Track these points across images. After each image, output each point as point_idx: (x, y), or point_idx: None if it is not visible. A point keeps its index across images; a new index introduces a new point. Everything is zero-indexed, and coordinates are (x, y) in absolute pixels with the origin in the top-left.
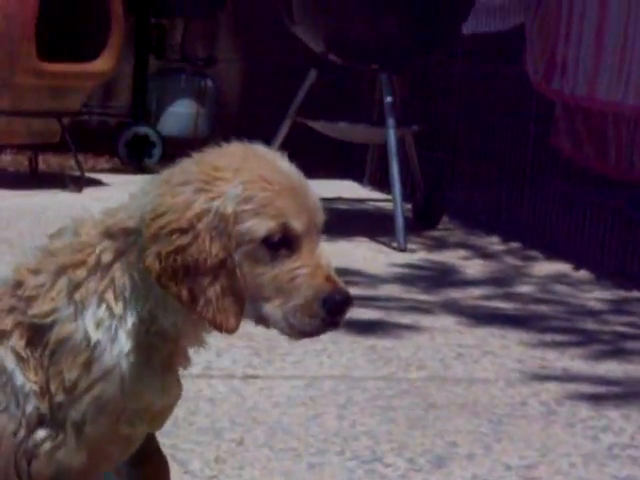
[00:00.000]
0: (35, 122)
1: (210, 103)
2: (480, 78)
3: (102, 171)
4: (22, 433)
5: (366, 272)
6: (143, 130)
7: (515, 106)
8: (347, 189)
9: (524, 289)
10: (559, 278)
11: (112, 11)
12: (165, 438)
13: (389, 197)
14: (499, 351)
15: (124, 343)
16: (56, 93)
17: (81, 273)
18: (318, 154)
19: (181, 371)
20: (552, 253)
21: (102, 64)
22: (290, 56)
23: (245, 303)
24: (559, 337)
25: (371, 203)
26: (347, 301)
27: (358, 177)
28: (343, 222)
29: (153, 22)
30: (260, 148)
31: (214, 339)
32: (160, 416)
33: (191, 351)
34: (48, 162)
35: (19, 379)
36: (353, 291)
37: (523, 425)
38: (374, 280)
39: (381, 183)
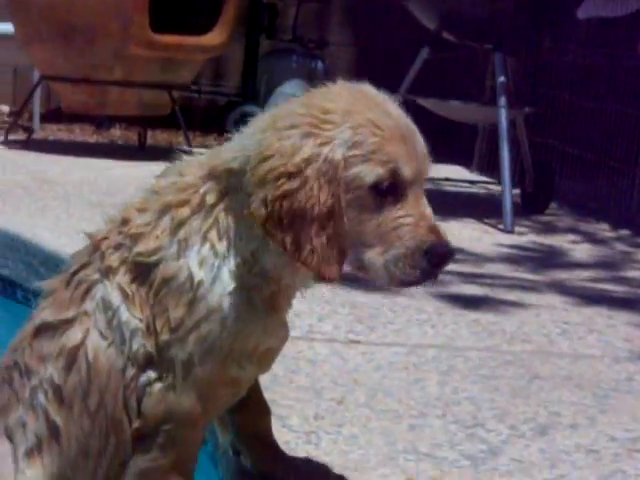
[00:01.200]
0: (146, 94)
1: (320, 85)
2: (592, 64)
3: (210, 148)
4: (131, 371)
5: (471, 251)
6: (252, 109)
7: (626, 93)
8: (455, 173)
9: (633, 274)
10: None
11: None
12: (264, 393)
13: (497, 182)
14: (606, 330)
15: (227, 283)
16: (167, 65)
17: (185, 212)
18: (426, 137)
19: (287, 314)
20: None
21: (214, 38)
22: (401, 36)
23: (347, 252)
24: None
25: (479, 186)
26: (449, 253)
27: (466, 163)
28: (450, 202)
29: (265, 2)
30: (368, 89)
31: (316, 305)
32: (267, 358)
33: (296, 293)
34: (156, 138)
35: (124, 315)
36: (458, 268)
37: (629, 400)
38: (479, 259)
39: (489, 169)
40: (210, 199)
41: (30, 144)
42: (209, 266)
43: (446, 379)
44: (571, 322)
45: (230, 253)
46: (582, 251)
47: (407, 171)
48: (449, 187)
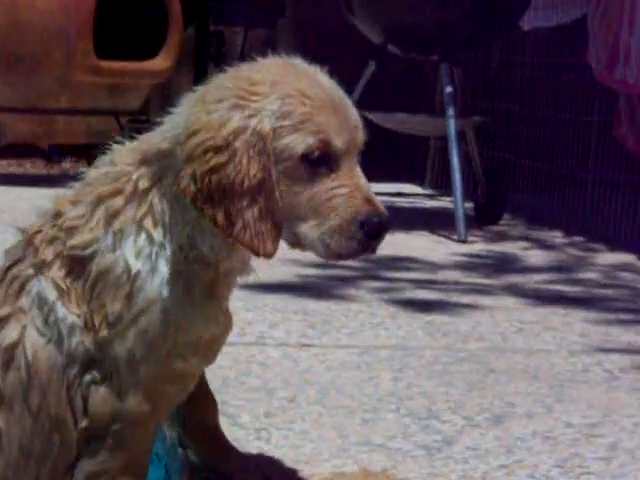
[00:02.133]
0: (94, 121)
1: None
2: (540, 73)
3: None
4: (74, 369)
5: (425, 259)
6: None
7: (577, 100)
8: (407, 190)
9: (588, 275)
10: (623, 267)
11: (170, 11)
12: (214, 396)
13: (450, 198)
14: (561, 327)
15: (164, 272)
16: (114, 91)
17: (118, 202)
18: (377, 158)
19: (228, 302)
20: (616, 246)
21: (159, 63)
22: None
23: (282, 226)
24: (624, 316)
25: (431, 200)
26: (386, 224)
27: (418, 181)
28: (403, 216)
29: (212, 30)
30: (298, 62)
31: (268, 313)
32: (211, 348)
33: (235, 280)
34: None
35: (61, 311)
36: (411, 275)
37: (585, 389)
38: (433, 267)
39: (442, 186)
40: (143, 184)
41: None
42: (145, 256)
43: (400, 376)
44: (526, 321)
45: (166, 240)
46: (535, 256)
47: (338, 141)
48: (402, 203)
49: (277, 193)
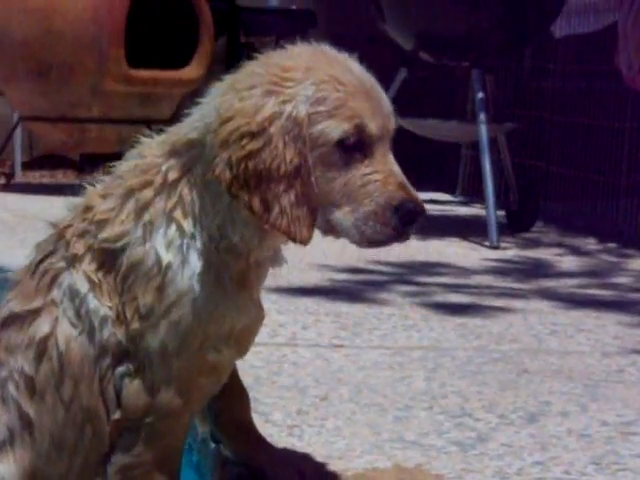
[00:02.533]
0: (125, 130)
1: None
2: (571, 80)
3: None
4: (106, 360)
5: (457, 265)
6: None
7: (609, 106)
8: (439, 198)
9: (621, 280)
10: None
11: (202, 20)
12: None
13: (482, 206)
14: (595, 329)
15: (195, 264)
16: (146, 100)
17: (148, 193)
18: (408, 164)
19: (259, 292)
20: None
21: (191, 72)
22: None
23: (317, 212)
24: None
25: (463, 209)
26: (420, 209)
27: (450, 190)
28: (435, 224)
29: (244, 41)
30: (328, 48)
31: (300, 315)
32: (244, 339)
33: (266, 271)
34: None
35: (92, 303)
36: (443, 280)
37: (620, 389)
38: (466, 272)
39: (473, 194)
40: (172, 175)
41: (11, 187)
42: (176, 248)
43: (433, 375)
44: (560, 323)
45: (197, 230)
46: (569, 262)
47: (373, 126)
48: (434, 210)
49: (313, 179)
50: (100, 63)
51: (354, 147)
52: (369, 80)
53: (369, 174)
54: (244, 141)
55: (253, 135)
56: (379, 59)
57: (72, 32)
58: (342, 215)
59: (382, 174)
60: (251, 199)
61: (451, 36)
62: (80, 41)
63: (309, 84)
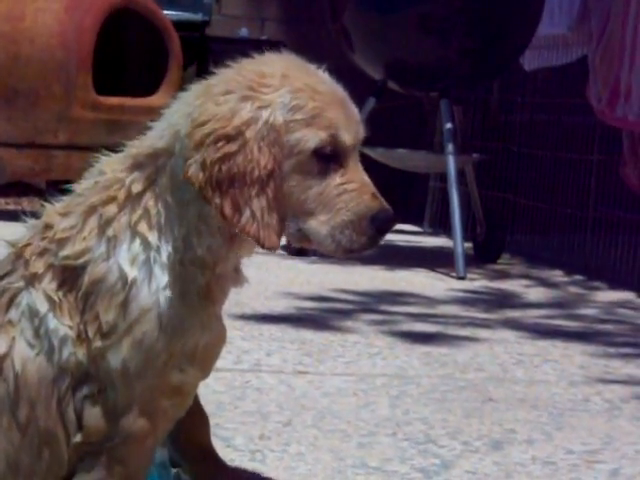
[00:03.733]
0: (92, 157)
1: None
2: (539, 113)
3: None
4: (65, 381)
5: (424, 294)
6: None
7: (576, 139)
8: (406, 229)
9: (587, 311)
10: (623, 304)
11: (170, 48)
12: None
13: (449, 237)
14: (561, 359)
15: (161, 278)
16: (113, 128)
17: (112, 209)
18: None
19: (222, 308)
20: (616, 284)
21: (159, 99)
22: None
23: (286, 220)
24: (624, 349)
25: (430, 240)
26: (394, 218)
27: (418, 222)
28: (402, 254)
29: (213, 70)
30: (298, 59)
31: (264, 342)
32: (207, 358)
33: (230, 285)
34: None
35: (52, 322)
36: (409, 309)
37: (586, 418)
38: (432, 301)
39: (441, 226)
40: (136, 188)
41: None
42: (141, 262)
43: (397, 403)
44: (525, 353)
45: (162, 243)
46: (535, 293)
47: (347, 136)
48: (400, 242)
49: (285, 186)
50: (67, 89)
51: (329, 157)
52: (341, 91)
53: (344, 183)
54: (219, 144)
55: (229, 138)
56: (348, 89)
57: (39, 58)
58: (317, 224)
59: (356, 184)
60: (222, 202)
61: (420, 66)
62: (47, 67)
63: (285, 91)
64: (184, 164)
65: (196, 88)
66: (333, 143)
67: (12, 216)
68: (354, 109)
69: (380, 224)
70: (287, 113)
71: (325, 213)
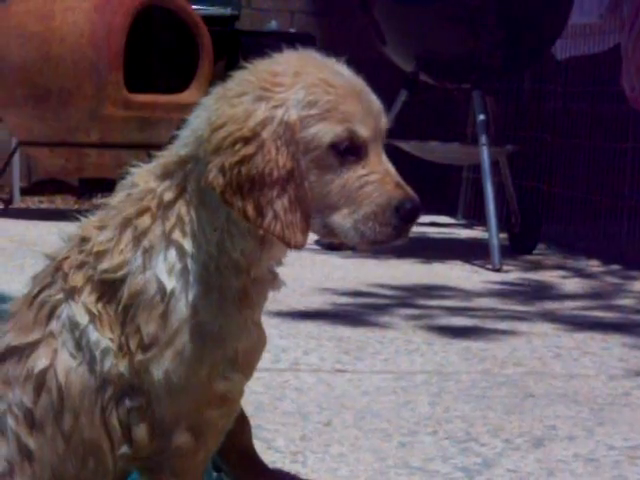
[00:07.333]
0: (124, 155)
1: None
2: (572, 102)
3: None
4: (109, 392)
5: (460, 288)
6: None
7: (610, 127)
8: (441, 221)
9: (625, 302)
10: None
11: (201, 44)
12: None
13: (484, 228)
14: (600, 352)
15: (197, 286)
16: (144, 125)
17: (146, 220)
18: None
19: (261, 312)
20: None
21: (190, 96)
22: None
23: (311, 216)
24: None
25: (465, 232)
26: (419, 207)
27: (452, 213)
28: (437, 246)
29: (243, 64)
30: (315, 53)
31: (302, 340)
32: (248, 362)
33: (267, 291)
34: None
35: (93, 335)
36: (446, 303)
37: (627, 412)
38: (469, 294)
39: (475, 217)
40: (168, 197)
41: (10, 213)
42: (178, 271)
43: (437, 400)
44: (564, 346)
45: (197, 249)
46: (572, 284)
47: (364, 129)
48: (435, 234)
49: (306, 183)
50: (99, 88)
51: (347, 150)
52: (358, 82)
53: (366, 175)
54: (237, 147)
55: (246, 140)
56: (379, 81)
57: (70, 57)
58: (341, 217)
59: (378, 174)
60: (244, 205)
61: (452, 58)
62: (79, 66)
63: (299, 88)
64: (205, 169)
65: (215, 92)
66: (350, 136)
67: (45, 214)
68: (373, 100)
69: (405, 213)
70: (302, 109)
71: (348, 206)
